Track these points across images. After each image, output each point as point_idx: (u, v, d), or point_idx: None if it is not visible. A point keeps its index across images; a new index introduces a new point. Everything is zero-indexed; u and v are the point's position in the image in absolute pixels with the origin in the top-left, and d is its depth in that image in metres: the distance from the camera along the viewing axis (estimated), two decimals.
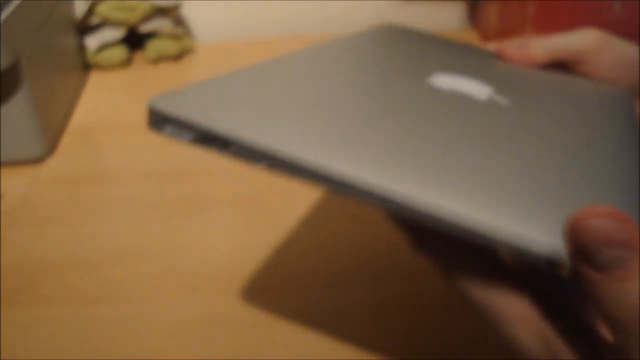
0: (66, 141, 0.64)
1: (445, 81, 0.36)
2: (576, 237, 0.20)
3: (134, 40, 0.79)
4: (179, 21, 0.83)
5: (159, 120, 0.27)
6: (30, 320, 0.43)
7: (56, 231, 0.52)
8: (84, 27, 0.76)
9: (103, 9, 0.74)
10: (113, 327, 0.43)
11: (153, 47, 0.77)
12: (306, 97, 0.30)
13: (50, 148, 0.61)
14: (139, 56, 0.80)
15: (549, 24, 0.68)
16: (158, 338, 0.42)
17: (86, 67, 0.76)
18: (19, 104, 0.56)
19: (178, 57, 0.79)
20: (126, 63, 0.78)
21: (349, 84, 0.34)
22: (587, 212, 0.19)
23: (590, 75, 0.42)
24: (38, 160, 0.60)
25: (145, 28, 0.76)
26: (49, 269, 0.48)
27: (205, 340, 0.42)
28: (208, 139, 0.26)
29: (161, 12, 0.77)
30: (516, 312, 0.23)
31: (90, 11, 0.74)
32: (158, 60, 0.78)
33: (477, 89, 0.36)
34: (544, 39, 0.42)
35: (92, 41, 0.75)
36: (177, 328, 0.43)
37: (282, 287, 0.46)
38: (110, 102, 0.70)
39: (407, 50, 0.41)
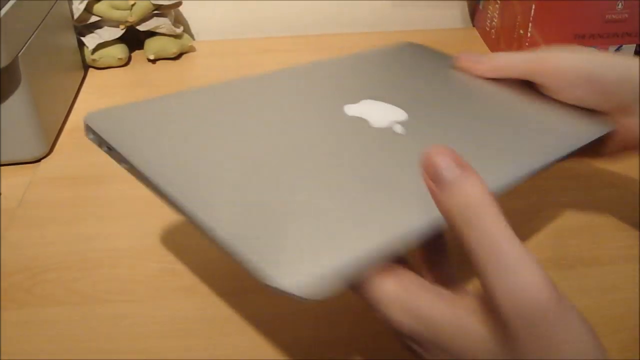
0: (64, 141, 0.63)
1: (356, 108, 0.40)
2: (427, 163, 0.28)
3: (133, 39, 0.79)
4: (178, 20, 0.83)
5: (87, 130, 0.37)
6: (30, 320, 0.43)
7: (56, 231, 0.51)
8: (82, 26, 0.76)
9: (101, 8, 0.74)
10: (113, 327, 0.43)
11: (152, 46, 0.77)
12: (191, 130, 0.36)
13: (49, 148, 0.61)
14: (138, 55, 0.80)
15: (549, 24, 0.68)
16: (158, 338, 0.42)
17: (85, 66, 0.76)
18: (17, 104, 0.56)
19: (177, 56, 0.79)
20: (125, 62, 0.77)
21: (253, 114, 0.39)
22: (435, 148, 0.28)
23: (554, 97, 0.41)
24: (36, 160, 0.60)
25: (144, 27, 0.76)
26: (49, 269, 0.48)
27: (205, 340, 0.42)
28: (112, 153, 0.35)
29: (160, 11, 0.77)
30: (388, 295, 0.27)
31: (88, 10, 0.74)
32: (157, 59, 0.78)
33: (381, 116, 0.39)
34: (497, 55, 0.43)
35: (90, 40, 0.74)
36: (177, 328, 0.43)
37: None
38: (109, 101, 0.70)
39: (348, 78, 0.46)
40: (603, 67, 0.38)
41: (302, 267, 0.26)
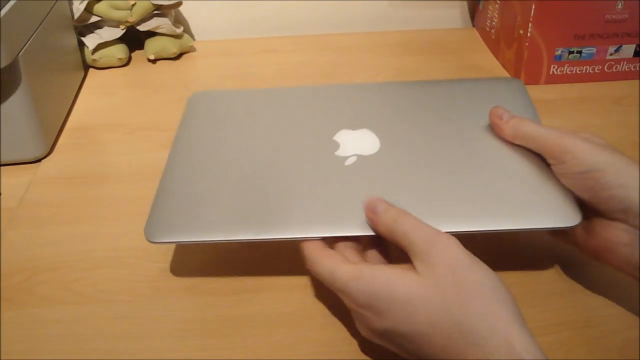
0: (64, 141, 0.63)
1: (342, 136, 0.47)
2: (369, 204, 0.40)
3: (133, 39, 0.79)
4: (178, 20, 0.83)
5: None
6: (30, 320, 0.43)
7: (56, 231, 0.51)
8: (82, 26, 0.76)
9: (101, 8, 0.74)
10: (112, 327, 0.43)
11: (152, 46, 0.77)
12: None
13: (49, 148, 0.61)
14: (138, 55, 0.80)
15: (549, 24, 0.68)
16: (157, 338, 0.42)
17: (85, 66, 0.76)
18: (17, 104, 0.56)
19: (177, 56, 0.79)
20: (125, 62, 0.77)
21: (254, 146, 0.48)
22: (372, 200, 0.40)
23: (555, 172, 0.41)
24: (36, 160, 0.60)
25: (144, 27, 0.76)
26: (49, 269, 0.48)
27: (205, 340, 0.42)
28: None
29: (160, 11, 0.76)
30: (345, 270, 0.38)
31: (88, 10, 0.74)
32: (157, 59, 0.78)
33: (351, 145, 0.46)
34: (523, 123, 0.44)
35: (90, 40, 0.74)
36: (177, 328, 0.43)
37: (282, 286, 0.46)
38: (108, 101, 0.70)
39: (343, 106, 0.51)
40: (614, 174, 0.38)
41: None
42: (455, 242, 0.36)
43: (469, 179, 0.43)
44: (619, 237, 0.38)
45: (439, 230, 0.37)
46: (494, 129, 0.46)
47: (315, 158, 0.45)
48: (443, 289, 0.34)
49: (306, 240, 0.40)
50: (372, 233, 0.40)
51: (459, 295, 0.34)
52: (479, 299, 0.34)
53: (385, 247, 0.41)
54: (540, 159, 0.43)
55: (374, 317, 0.36)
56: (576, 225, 0.39)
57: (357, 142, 0.46)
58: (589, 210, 0.40)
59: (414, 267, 0.36)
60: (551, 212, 0.40)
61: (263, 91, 0.54)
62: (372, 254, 0.41)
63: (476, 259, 0.36)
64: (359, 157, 0.45)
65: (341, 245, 0.40)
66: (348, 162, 0.45)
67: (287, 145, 0.47)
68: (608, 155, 0.38)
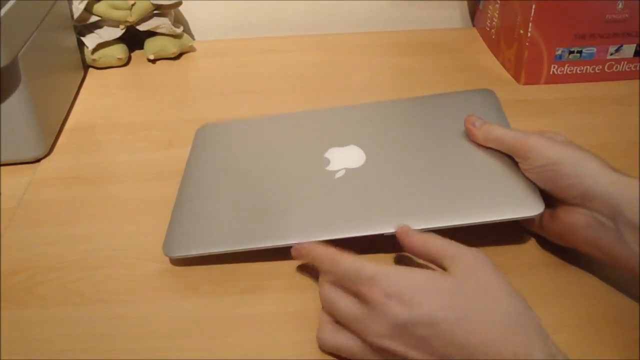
0: (64, 141, 0.63)
1: (332, 153, 0.52)
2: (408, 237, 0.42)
3: (133, 39, 0.79)
4: (178, 20, 0.83)
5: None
6: (30, 320, 0.43)
7: (56, 231, 0.51)
8: (82, 26, 0.76)
9: (101, 8, 0.74)
10: (112, 327, 0.43)
11: (152, 46, 0.77)
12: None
13: (49, 148, 0.61)
14: (138, 55, 0.80)
15: (549, 24, 0.68)
16: (158, 338, 0.42)
17: (84, 66, 0.76)
18: (16, 104, 0.56)
19: (177, 56, 0.79)
20: (125, 62, 0.77)
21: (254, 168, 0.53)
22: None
23: (521, 168, 0.47)
24: (36, 160, 0.60)
25: (144, 27, 0.76)
26: (49, 269, 0.48)
27: (205, 340, 0.42)
28: None
29: (160, 11, 0.76)
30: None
31: (88, 10, 0.74)
32: (157, 59, 0.78)
33: (340, 160, 0.52)
34: (493, 128, 0.49)
35: (90, 40, 0.74)
36: (177, 328, 0.43)
37: (282, 286, 0.46)
38: (108, 101, 0.70)
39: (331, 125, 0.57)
40: (570, 166, 0.43)
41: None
42: (484, 255, 0.39)
43: (444, 181, 0.48)
44: (578, 219, 0.43)
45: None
46: (468, 135, 0.51)
47: (310, 174, 0.51)
48: (474, 286, 0.37)
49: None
50: (363, 233, 0.45)
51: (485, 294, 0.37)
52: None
53: None
54: (509, 159, 0.48)
55: (400, 307, 0.36)
56: (540, 214, 0.45)
57: (345, 157, 0.52)
58: (552, 200, 0.45)
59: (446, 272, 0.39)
60: (517, 204, 0.45)
61: (262, 119, 0.60)
62: None
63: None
64: (347, 170, 0.51)
65: None
66: (337, 175, 0.50)
67: (285, 165, 0.53)
68: (565, 150, 0.44)
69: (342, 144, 0.53)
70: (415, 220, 0.44)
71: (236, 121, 0.60)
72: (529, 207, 0.45)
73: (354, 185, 0.49)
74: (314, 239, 0.44)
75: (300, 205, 0.48)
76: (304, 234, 0.45)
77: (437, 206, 0.46)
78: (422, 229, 0.43)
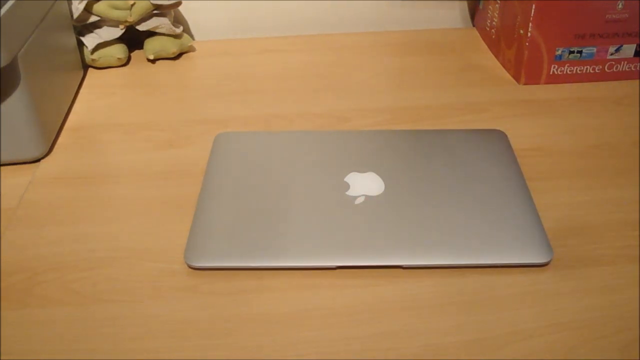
0: (64, 141, 0.63)
1: (352, 178, 0.54)
2: None
3: (133, 39, 0.78)
4: (178, 20, 0.83)
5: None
6: (30, 320, 0.43)
7: (56, 231, 0.51)
8: (82, 26, 0.76)
9: (100, 8, 0.74)
10: (112, 326, 0.43)
11: (152, 46, 0.77)
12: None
13: (49, 148, 0.61)
14: (138, 55, 0.80)
15: (549, 24, 0.68)
16: (158, 338, 0.42)
17: (84, 66, 0.76)
18: (16, 104, 0.56)
19: (177, 56, 0.79)
20: (124, 62, 0.77)
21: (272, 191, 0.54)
22: None
23: None
24: (36, 160, 0.60)
25: (143, 27, 0.76)
26: (49, 269, 0.48)
27: (205, 340, 0.42)
28: None
29: (160, 11, 0.76)
30: None
31: (87, 10, 0.74)
32: (157, 59, 0.78)
33: (359, 186, 0.53)
34: None
35: (90, 40, 0.74)
36: (177, 328, 0.43)
37: (282, 286, 0.46)
38: (108, 101, 0.70)
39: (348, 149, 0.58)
40: None
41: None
42: None
43: (459, 220, 0.50)
44: None
45: None
46: None
47: (330, 197, 0.52)
48: None
49: (322, 268, 0.47)
50: (380, 263, 0.46)
51: None
52: None
53: None
54: (525, 204, 0.51)
55: None
56: (549, 262, 0.46)
57: (365, 184, 0.53)
58: None
59: None
60: (528, 250, 0.47)
61: (282, 134, 0.60)
62: None
63: None
64: (367, 197, 0.52)
65: None
66: (357, 202, 0.51)
67: (306, 184, 0.54)
68: None
69: (362, 169, 0.55)
70: (426, 254, 0.47)
71: (256, 132, 0.61)
72: (539, 255, 0.47)
73: (373, 214, 0.50)
74: (332, 264, 0.46)
75: (322, 227, 0.49)
76: (326, 257, 0.47)
77: (452, 244, 0.47)
78: (434, 265, 0.46)
